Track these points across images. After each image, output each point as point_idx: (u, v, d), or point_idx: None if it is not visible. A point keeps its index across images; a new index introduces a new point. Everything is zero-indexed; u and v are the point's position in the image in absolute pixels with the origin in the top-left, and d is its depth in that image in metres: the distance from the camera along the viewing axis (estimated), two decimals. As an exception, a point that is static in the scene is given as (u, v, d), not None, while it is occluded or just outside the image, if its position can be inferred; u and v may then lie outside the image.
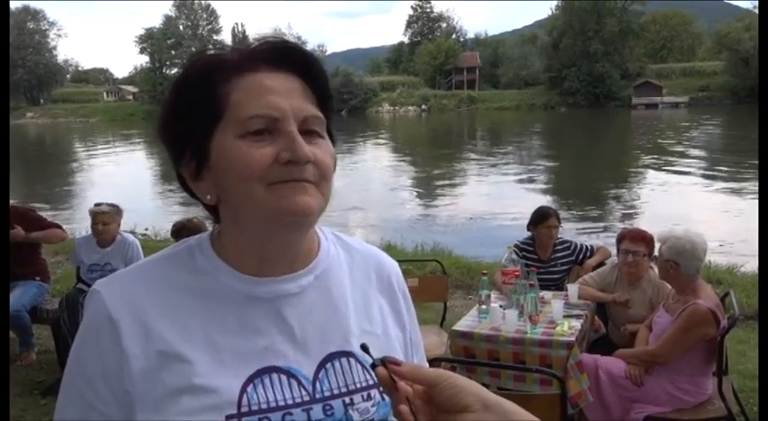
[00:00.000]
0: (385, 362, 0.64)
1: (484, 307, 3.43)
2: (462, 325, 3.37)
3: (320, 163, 0.75)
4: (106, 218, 4.19)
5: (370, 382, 0.81)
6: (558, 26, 67.29)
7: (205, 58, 0.78)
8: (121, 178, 19.79)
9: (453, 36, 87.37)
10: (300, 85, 0.77)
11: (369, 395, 0.80)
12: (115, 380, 0.74)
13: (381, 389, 0.79)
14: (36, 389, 3.95)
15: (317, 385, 0.78)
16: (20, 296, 4.31)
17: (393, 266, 0.96)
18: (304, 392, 0.77)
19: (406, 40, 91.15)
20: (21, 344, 4.46)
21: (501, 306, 3.40)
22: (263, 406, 0.74)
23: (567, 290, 3.74)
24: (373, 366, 0.64)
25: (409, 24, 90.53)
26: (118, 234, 4.30)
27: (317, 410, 0.77)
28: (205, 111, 0.75)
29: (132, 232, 9.33)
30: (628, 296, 3.52)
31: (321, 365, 0.80)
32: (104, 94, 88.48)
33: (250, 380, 0.75)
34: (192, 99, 0.75)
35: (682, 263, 2.96)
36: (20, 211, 4.52)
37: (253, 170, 0.72)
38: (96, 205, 4.29)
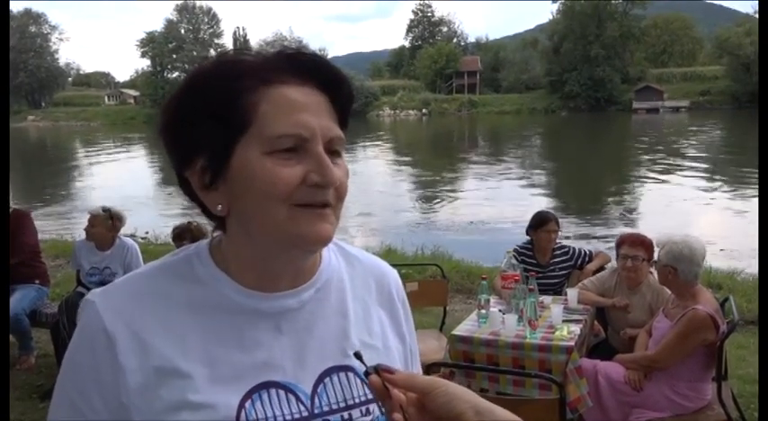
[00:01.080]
0: (378, 369, 0.64)
1: (483, 311, 3.42)
2: (462, 329, 3.36)
3: (341, 186, 0.75)
4: (94, 221, 4.19)
5: (369, 397, 0.80)
6: (559, 30, 67.49)
7: (229, 62, 0.74)
8: (122, 181, 19.80)
9: (454, 40, 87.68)
10: (326, 101, 0.75)
11: (368, 410, 0.79)
12: (110, 392, 0.73)
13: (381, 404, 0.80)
14: (35, 393, 3.95)
15: (316, 400, 0.78)
16: (19, 300, 4.30)
17: (393, 276, 0.95)
18: (303, 408, 0.76)
19: (407, 44, 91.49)
20: (20, 347, 4.45)
21: (500, 310, 3.40)
22: None
23: (566, 294, 3.74)
24: (366, 374, 0.64)
25: (410, 28, 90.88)
26: (116, 238, 4.29)
27: None
28: (228, 120, 0.72)
29: (132, 236, 9.36)
30: (627, 301, 3.52)
31: (320, 380, 0.79)
32: (106, 98, 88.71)
33: (248, 395, 0.74)
34: (212, 104, 0.72)
35: (680, 268, 2.96)
36: (19, 215, 4.51)
37: (279, 190, 0.70)
38: (103, 209, 4.30)
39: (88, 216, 4.24)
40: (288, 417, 0.75)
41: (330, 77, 0.76)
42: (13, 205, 4.55)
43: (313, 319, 0.81)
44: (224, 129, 0.72)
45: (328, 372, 0.80)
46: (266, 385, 0.75)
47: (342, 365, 0.81)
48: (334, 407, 0.78)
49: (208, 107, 0.72)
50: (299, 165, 0.71)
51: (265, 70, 0.73)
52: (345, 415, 0.78)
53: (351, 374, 0.81)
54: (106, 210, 4.23)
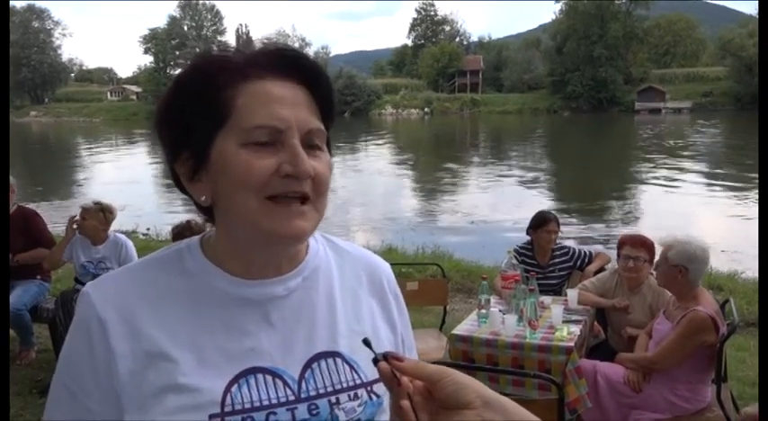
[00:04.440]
0: (387, 357, 0.64)
1: (483, 311, 3.42)
2: (462, 329, 3.36)
3: (319, 178, 0.75)
4: (86, 214, 4.23)
5: (357, 382, 0.81)
6: (562, 30, 67.36)
7: (211, 59, 0.77)
8: (124, 177, 19.81)
9: (457, 39, 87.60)
10: (305, 95, 0.77)
11: (356, 394, 0.81)
12: (104, 379, 0.75)
13: (369, 388, 0.81)
14: (35, 388, 3.95)
15: (303, 385, 0.79)
16: (21, 295, 4.32)
17: (384, 268, 0.96)
18: (289, 392, 0.77)
19: (409, 42, 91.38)
20: (21, 342, 4.46)
21: (501, 310, 3.40)
22: (247, 405, 0.74)
23: (566, 295, 3.74)
24: (375, 361, 0.64)
25: (413, 27, 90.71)
26: (110, 233, 4.31)
27: (301, 410, 0.77)
28: (209, 114, 0.74)
29: (133, 232, 9.38)
30: (627, 302, 3.51)
31: (307, 365, 0.80)
32: (108, 94, 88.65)
33: (235, 380, 0.75)
34: (195, 99, 0.75)
35: (691, 268, 2.95)
36: (26, 213, 4.52)
37: (252, 180, 0.72)
38: (94, 203, 4.34)
39: (80, 210, 4.28)
40: (274, 401, 0.76)
41: (309, 72, 0.78)
42: (18, 202, 4.56)
43: (301, 307, 0.83)
44: (204, 122, 0.75)
45: (316, 358, 0.81)
46: (253, 370, 0.77)
47: (329, 351, 0.82)
48: (321, 391, 0.79)
49: (191, 102, 0.75)
50: (274, 156, 0.73)
51: (245, 66, 0.75)
52: (333, 399, 0.79)
53: (339, 360, 0.82)
54: (97, 204, 4.28)
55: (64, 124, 67.49)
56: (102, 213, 4.24)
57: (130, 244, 4.33)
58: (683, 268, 2.96)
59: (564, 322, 3.32)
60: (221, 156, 0.74)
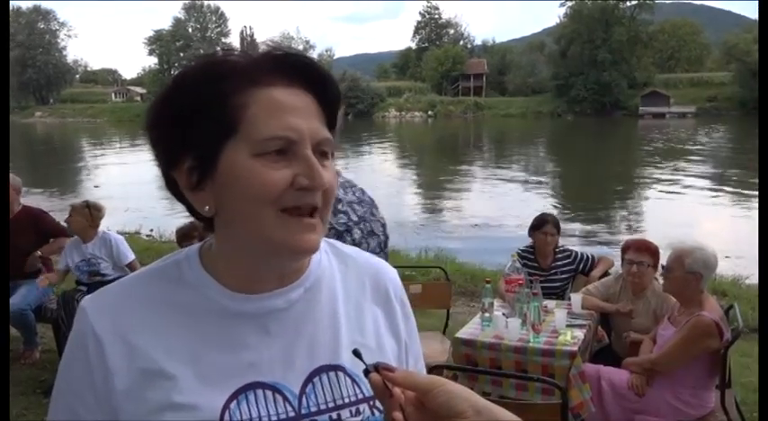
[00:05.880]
0: (378, 368, 0.63)
1: (487, 315, 3.42)
2: (465, 332, 3.36)
3: (329, 189, 0.74)
4: (73, 211, 4.32)
5: (360, 397, 0.79)
6: (566, 34, 67.43)
7: (218, 61, 0.74)
8: (127, 178, 19.85)
9: (461, 42, 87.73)
10: (314, 103, 0.75)
11: (357, 410, 0.78)
12: (102, 394, 0.75)
13: (371, 403, 0.79)
14: (39, 388, 3.95)
15: (304, 400, 0.77)
16: (25, 295, 4.33)
17: (390, 275, 0.93)
18: (289, 408, 0.76)
19: (413, 45, 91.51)
20: (25, 342, 4.47)
21: (504, 314, 3.40)
22: None
23: (569, 299, 3.73)
24: (366, 372, 0.64)
25: (417, 30, 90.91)
26: (96, 231, 4.36)
27: None
28: (216, 121, 0.71)
29: (137, 233, 9.41)
30: (631, 306, 3.51)
31: (308, 380, 0.78)
32: (112, 95, 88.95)
33: (234, 396, 0.74)
34: (200, 103, 0.71)
35: (705, 275, 2.95)
36: (33, 212, 4.54)
37: (267, 193, 0.70)
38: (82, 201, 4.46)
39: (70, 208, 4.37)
40: (273, 418, 0.74)
41: (317, 78, 0.75)
42: (23, 202, 4.59)
43: (302, 319, 0.81)
44: (212, 130, 0.71)
45: (317, 372, 0.79)
46: (253, 386, 0.75)
47: (331, 365, 0.80)
48: (323, 407, 0.77)
49: (196, 107, 0.72)
50: (288, 168, 0.71)
51: (253, 71, 0.72)
52: (334, 415, 0.77)
53: (341, 374, 0.80)
54: (84, 201, 4.38)
55: (68, 125, 67.67)
56: (89, 210, 4.31)
57: (120, 239, 4.42)
58: (700, 274, 2.95)
59: (567, 326, 3.32)
60: (231, 166, 0.71)
